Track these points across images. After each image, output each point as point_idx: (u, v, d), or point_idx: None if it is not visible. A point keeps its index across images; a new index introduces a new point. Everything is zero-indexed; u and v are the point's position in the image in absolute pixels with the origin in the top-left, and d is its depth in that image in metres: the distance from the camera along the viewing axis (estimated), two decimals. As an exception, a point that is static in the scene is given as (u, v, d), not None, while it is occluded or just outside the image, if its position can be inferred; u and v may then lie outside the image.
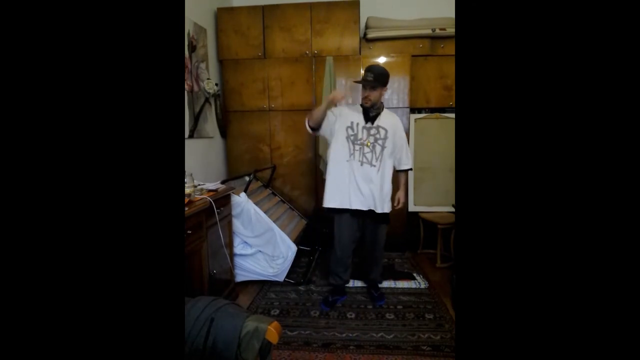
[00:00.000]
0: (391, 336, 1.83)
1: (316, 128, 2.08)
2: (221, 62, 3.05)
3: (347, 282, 2.30)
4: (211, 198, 1.87)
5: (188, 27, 2.49)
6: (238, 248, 2.36)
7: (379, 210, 2.04)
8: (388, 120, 2.05)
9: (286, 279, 2.43)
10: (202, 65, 2.71)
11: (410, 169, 2.17)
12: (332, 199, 2.07)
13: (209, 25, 2.88)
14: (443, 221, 2.78)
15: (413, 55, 2.93)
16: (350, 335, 1.85)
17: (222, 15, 2.98)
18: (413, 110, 3.04)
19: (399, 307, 2.15)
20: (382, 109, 2.07)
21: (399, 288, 2.39)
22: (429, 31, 2.94)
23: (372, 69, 1.95)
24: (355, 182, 2.01)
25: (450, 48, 2.98)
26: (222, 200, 2.05)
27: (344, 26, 2.91)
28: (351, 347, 1.74)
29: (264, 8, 2.95)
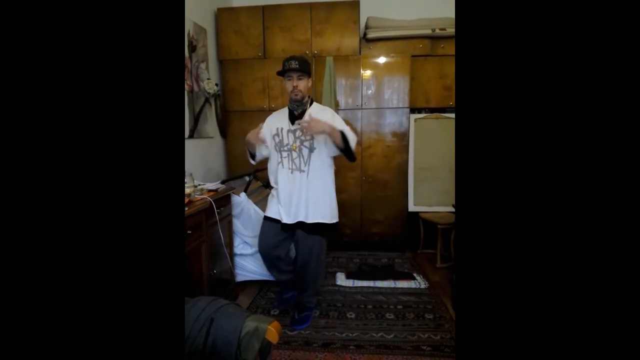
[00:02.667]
0: (391, 336, 1.83)
1: (255, 155, 1.95)
2: (221, 62, 3.05)
3: (287, 279, 2.10)
4: (211, 198, 1.87)
5: (188, 27, 2.49)
6: (238, 248, 2.36)
7: (310, 220, 1.85)
8: (316, 117, 1.76)
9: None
10: (202, 65, 2.71)
11: (350, 153, 1.78)
12: (271, 208, 1.95)
13: (209, 25, 2.88)
14: (443, 221, 2.78)
15: (413, 56, 2.94)
16: (350, 335, 1.85)
17: (222, 15, 2.98)
18: (413, 110, 3.04)
19: (399, 307, 2.15)
20: (311, 104, 1.85)
21: (399, 288, 2.39)
22: (429, 31, 2.94)
23: (294, 57, 1.76)
24: (286, 192, 1.87)
25: (450, 48, 2.98)
26: (222, 200, 2.05)
27: (344, 26, 2.91)
28: (351, 347, 1.74)
29: (264, 8, 2.95)
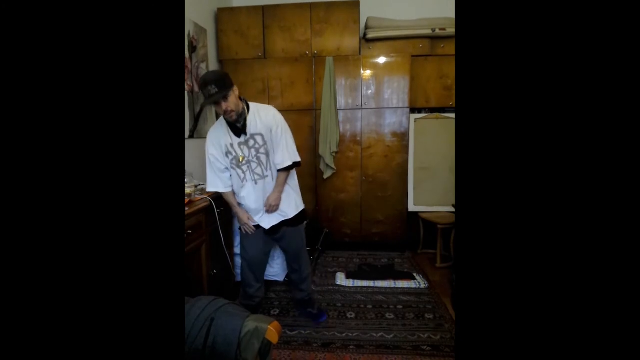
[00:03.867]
0: (391, 336, 1.83)
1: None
2: (221, 62, 3.05)
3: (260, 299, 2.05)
4: (211, 198, 1.87)
5: (188, 28, 2.49)
6: (238, 248, 2.35)
7: (291, 215, 1.88)
8: (258, 122, 1.73)
9: (286, 279, 2.43)
10: (203, 66, 2.71)
11: (294, 164, 1.82)
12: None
13: (209, 25, 2.88)
14: (443, 221, 2.79)
15: (413, 55, 2.93)
16: (350, 335, 1.85)
17: (222, 15, 2.98)
18: (413, 110, 3.04)
19: (399, 307, 2.15)
20: (247, 112, 1.72)
21: (399, 288, 2.39)
22: (429, 31, 2.94)
23: (207, 79, 1.57)
24: (259, 201, 1.81)
25: (450, 48, 2.98)
26: (222, 200, 2.05)
27: (344, 26, 2.91)
28: (351, 347, 1.74)
29: (264, 8, 2.95)
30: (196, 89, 2.59)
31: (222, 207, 2.00)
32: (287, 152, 1.78)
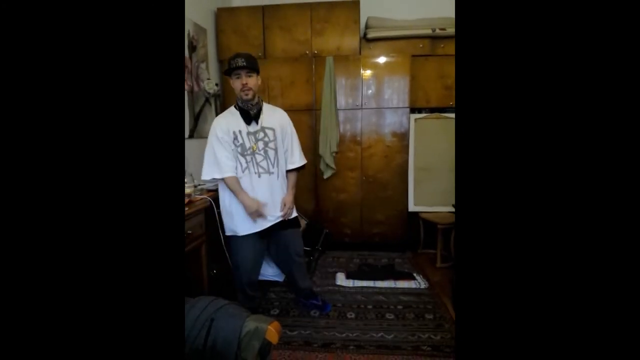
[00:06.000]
0: (391, 336, 1.83)
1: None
2: (221, 62, 3.05)
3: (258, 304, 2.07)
4: (211, 198, 1.87)
5: (188, 28, 2.49)
6: (238, 248, 2.35)
7: (291, 216, 1.88)
8: (272, 117, 1.78)
9: (286, 280, 2.43)
10: (202, 65, 2.71)
11: (302, 167, 1.89)
12: (242, 224, 1.78)
13: (209, 25, 2.88)
14: (443, 221, 2.78)
15: (413, 55, 2.93)
16: (350, 335, 1.85)
17: (222, 15, 2.98)
18: (413, 110, 3.04)
19: (399, 307, 2.15)
20: (262, 104, 1.79)
21: (399, 288, 2.39)
22: (429, 31, 2.94)
23: (240, 54, 1.66)
24: (258, 197, 1.76)
25: (450, 48, 2.97)
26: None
27: (344, 26, 2.91)
28: (351, 347, 1.74)
29: (264, 8, 2.95)
30: (196, 88, 2.59)
31: (222, 207, 2.00)
32: (300, 153, 1.88)
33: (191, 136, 2.52)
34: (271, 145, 1.77)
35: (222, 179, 1.74)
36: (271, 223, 1.84)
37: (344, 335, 1.85)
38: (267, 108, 1.80)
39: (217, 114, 2.93)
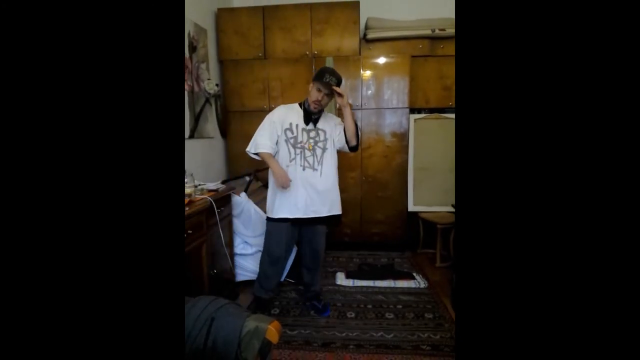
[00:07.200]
0: (391, 336, 1.84)
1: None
2: (221, 62, 3.05)
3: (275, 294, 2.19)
4: (212, 198, 1.88)
5: (188, 28, 2.49)
6: (238, 248, 2.36)
7: (323, 214, 1.94)
8: (327, 123, 1.95)
9: (286, 279, 2.44)
10: (203, 66, 2.71)
11: (357, 146, 2.00)
12: (281, 208, 1.92)
13: (209, 25, 2.88)
14: (442, 221, 2.79)
15: (413, 56, 2.94)
16: (350, 334, 1.85)
17: (223, 15, 2.98)
18: (413, 110, 3.04)
19: (399, 306, 2.15)
20: (323, 111, 1.96)
21: (399, 288, 2.39)
22: (428, 31, 2.94)
23: (336, 73, 1.82)
24: (299, 188, 1.88)
25: (450, 48, 2.98)
26: (223, 200, 2.06)
27: (344, 26, 2.91)
28: (351, 347, 1.74)
29: (264, 9, 2.95)
30: (196, 88, 2.59)
31: (222, 207, 2.00)
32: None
33: (191, 136, 2.52)
34: (320, 144, 1.92)
35: (257, 154, 1.91)
36: (306, 216, 1.91)
37: (343, 334, 1.85)
38: (325, 115, 1.98)
39: (217, 115, 2.94)
